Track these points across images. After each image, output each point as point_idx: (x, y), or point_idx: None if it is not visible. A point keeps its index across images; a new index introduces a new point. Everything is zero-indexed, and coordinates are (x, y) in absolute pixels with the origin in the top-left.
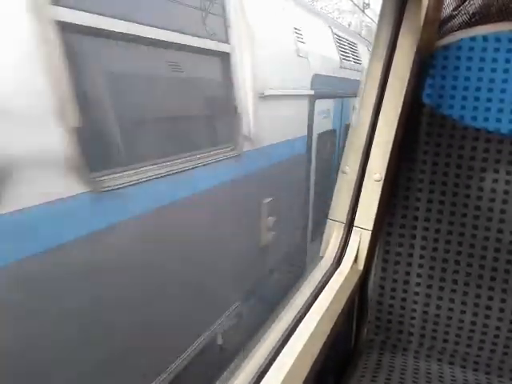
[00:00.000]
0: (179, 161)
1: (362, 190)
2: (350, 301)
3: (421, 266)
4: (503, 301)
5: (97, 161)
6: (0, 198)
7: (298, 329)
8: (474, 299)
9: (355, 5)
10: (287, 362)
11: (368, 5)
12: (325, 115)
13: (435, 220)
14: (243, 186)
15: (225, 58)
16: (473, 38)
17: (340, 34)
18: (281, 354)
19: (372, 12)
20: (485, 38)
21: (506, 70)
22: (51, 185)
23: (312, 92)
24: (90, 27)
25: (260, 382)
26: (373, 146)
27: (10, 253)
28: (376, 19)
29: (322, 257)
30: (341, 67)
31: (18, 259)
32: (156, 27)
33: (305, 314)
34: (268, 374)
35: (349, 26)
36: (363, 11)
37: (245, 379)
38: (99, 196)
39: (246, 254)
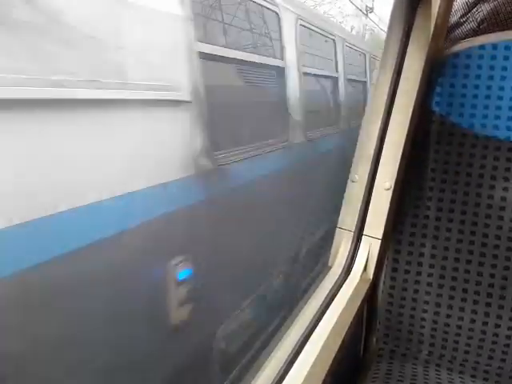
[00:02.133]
0: None
1: (372, 198)
2: (360, 310)
3: (430, 274)
4: None
5: None
6: None
7: (309, 341)
8: (484, 308)
9: (358, 9)
10: (299, 373)
11: (371, 9)
12: None
13: (445, 228)
14: None
15: None
16: (482, 46)
17: None
18: (294, 366)
19: (376, 17)
20: (494, 46)
21: None
22: None
23: None
24: None
25: None
26: (382, 154)
27: None
28: (379, 23)
29: (330, 266)
30: None
31: None
32: None
33: (316, 326)
34: None
35: (351, 29)
36: (367, 15)
37: None
38: None
39: None
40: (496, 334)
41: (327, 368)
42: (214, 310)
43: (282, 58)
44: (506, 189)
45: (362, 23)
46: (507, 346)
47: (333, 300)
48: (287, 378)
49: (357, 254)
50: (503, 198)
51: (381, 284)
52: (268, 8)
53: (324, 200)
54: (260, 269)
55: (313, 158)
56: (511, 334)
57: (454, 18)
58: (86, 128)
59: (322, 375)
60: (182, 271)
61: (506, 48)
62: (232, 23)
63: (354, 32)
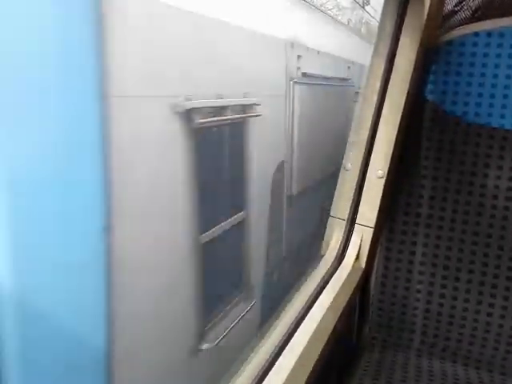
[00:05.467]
0: None
1: (364, 186)
2: (352, 299)
3: (423, 263)
4: (506, 298)
5: None
6: None
7: (300, 327)
8: (476, 297)
9: (355, 1)
10: (290, 360)
11: (368, 1)
12: None
13: (438, 217)
14: None
15: None
16: (476, 34)
17: None
18: (284, 353)
19: (372, 9)
20: (488, 34)
21: (509, 66)
22: None
23: None
24: None
25: (263, 381)
26: (375, 142)
27: None
28: (376, 16)
29: (323, 254)
30: None
31: None
32: None
33: (307, 313)
34: (271, 372)
35: (348, 22)
36: (363, 8)
37: (247, 378)
38: None
39: None
40: (488, 323)
41: (318, 355)
42: None
43: None
44: (499, 177)
45: (359, 16)
46: (499, 334)
47: (324, 288)
48: (277, 363)
49: (349, 242)
50: (496, 187)
51: (373, 273)
52: None
53: None
54: None
55: None
56: (503, 323)
57: (448, 6)
58: None
59: (313, 362)
60: None
61: (500, 35)
62: None
63: (350, 25)
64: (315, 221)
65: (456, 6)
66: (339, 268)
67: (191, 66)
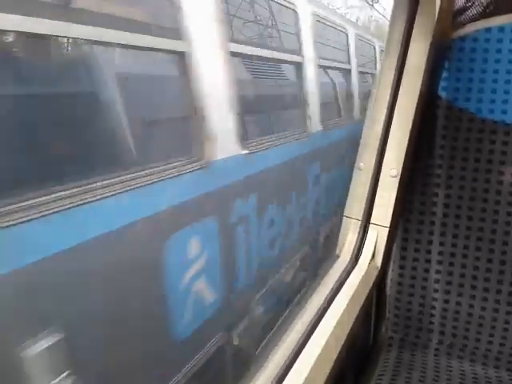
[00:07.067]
0: None
1: (379, 186)
2: (369, 299)
3: (439, 262)
4: None
5: None
6: None
7: (317, 328)
8: (494, 295)
9: None
10: (309, 360)
11: None
12: None
13: (454, 216)
14: None
15: None
16: (488, 29)
17: None
18: (302, 353)
19: (381, 7)
20: (500, 29)
21: None
22: None
23: None
24: None
25: (282, 381)
26: (388, 141)
27: None
28: (385, 14)
29: (338, 255)
30: None
31: None
32: None
33: (324, 314)
34: (290, 373)
35: (357, 21)
36: (372, 5)
37: (267, 377)
38: None
39: None
40: (507, 322)
41: (335, 355)
42: None
43: None
44: None
45: (368, 14)
46: None
47: (341, 288)
48: (297, 363)
49: (364, 242)
50: None
51: (389, 272)
52: None
53: None
54: None
55: None
56: None
57: (460, 2)
58: None
59: (331, 361)
60: None
61: None
62: None
63: (359, 23)
64: None
65: (467, 1)
66: (355, 268)
67: None
